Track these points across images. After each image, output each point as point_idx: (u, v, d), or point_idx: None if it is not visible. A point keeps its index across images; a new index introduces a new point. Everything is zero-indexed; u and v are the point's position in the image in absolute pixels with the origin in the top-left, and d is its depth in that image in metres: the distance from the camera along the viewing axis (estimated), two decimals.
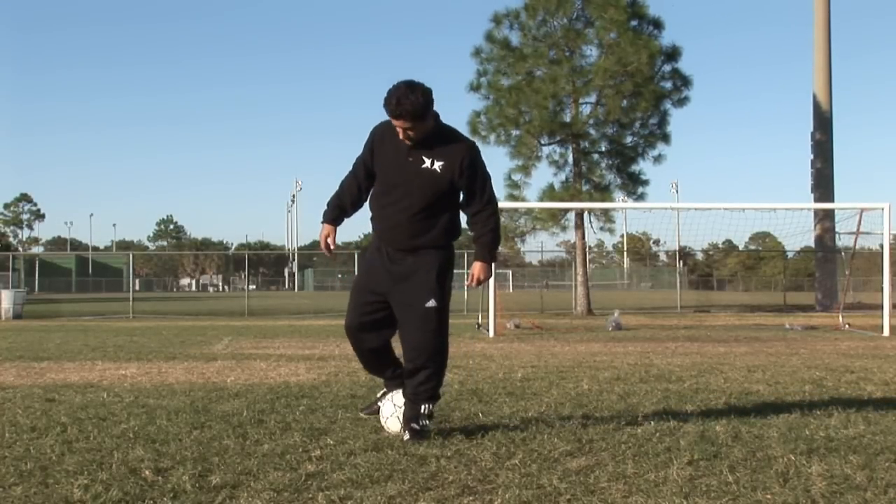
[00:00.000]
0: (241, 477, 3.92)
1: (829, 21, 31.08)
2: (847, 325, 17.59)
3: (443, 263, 4.80)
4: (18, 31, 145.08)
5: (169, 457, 4.35)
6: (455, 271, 5.03)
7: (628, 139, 25.92)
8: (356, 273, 5.28)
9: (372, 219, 4.98)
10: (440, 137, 4.69)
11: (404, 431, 4.77)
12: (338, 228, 5.03)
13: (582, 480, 3.84)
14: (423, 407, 4.77)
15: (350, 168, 4.99)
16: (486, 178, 4.81)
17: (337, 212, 4.99)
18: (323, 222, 4.99)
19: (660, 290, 57.68)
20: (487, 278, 4.89)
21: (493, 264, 4.94)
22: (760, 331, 16.47)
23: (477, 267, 4.86)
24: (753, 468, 4.08)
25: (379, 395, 5.15)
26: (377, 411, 5.06)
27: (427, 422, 4.81)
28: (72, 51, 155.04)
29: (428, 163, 4.66)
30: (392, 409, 4.91)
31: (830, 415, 5.64)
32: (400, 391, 4.92)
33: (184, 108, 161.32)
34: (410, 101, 4.49)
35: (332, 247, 4.96)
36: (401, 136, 4.65)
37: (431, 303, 4.69)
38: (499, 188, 25.61)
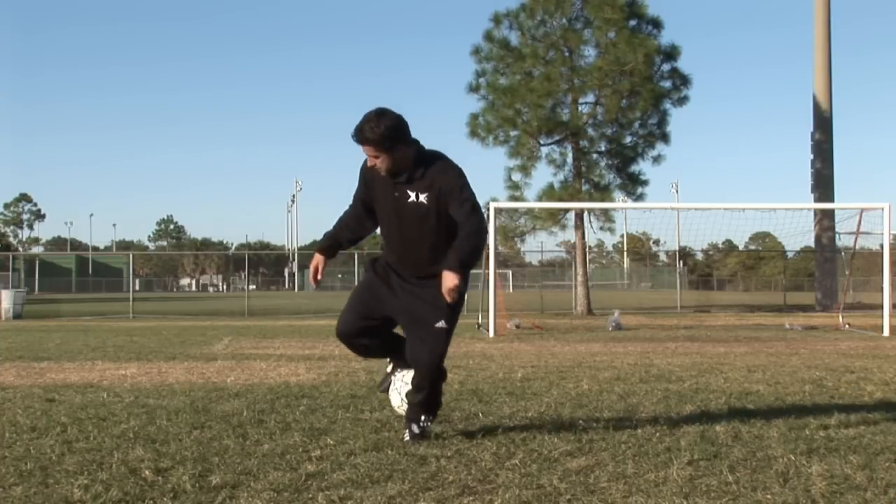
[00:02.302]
0: (241, 477, 3.92)
1: (829, 21, 31.07)
2: (847, 325, 17.59)
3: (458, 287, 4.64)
4: (18, 32, 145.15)
5: (169, 457, 4.35)
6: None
7: (628, 139, 25.89)
8: (359, 278, 5.06)
9: (381, 248, 4.96)
10: (422, 167, 4.58)
11: (405, 431, 4.78)
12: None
13: (582, 480, 3.84)
14: (423, 416, 4.79)
15: (350, 203, 4.94)
16: (467, 199, 4.58)
17: (331, 242, 4.92)
18: (316, 251, 4.91)
19: (660, 290, 57.67)
20: (457, 288, 4.46)
21: (464, 275, 4.53)
22: (760, 331, 16.47)
23: (445, 276, 4.44)
24: (753, 468, 4.08)
25: (389, 368, 5.06)
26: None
27: (428, 423, 4.82)
28: (72, 51, 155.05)
29: (413, 196, 4.57)
30: (401, 385, 4.87)
31: (830, 415, 5.64)
32: (409, 372, 4.83)
33: (184, 108, 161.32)
34: (371, 127, 4.45)
35: (318, 277, 4.83)
36: (369, 164, 4.59)
37: (441, 324, 4.62)
38: (499, 188, 25.60)
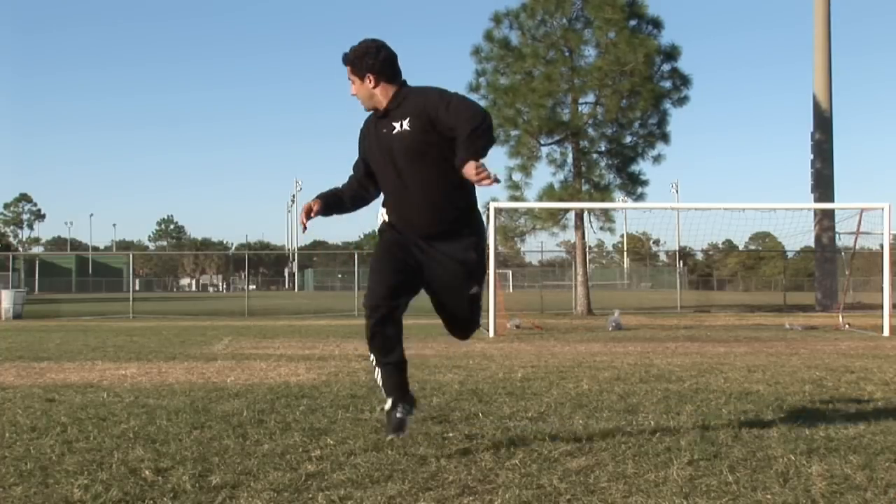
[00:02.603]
0: (241, 477, 3.92)
1: (829, 21, 31.07)
2: (847, 325, 17.59)
3: (479, 243, 4.46)
4: (18, 32, 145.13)
5: (169, 457, 4.35)
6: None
7: (628, 139, 25.91)
8: (378, 248, 4.50)
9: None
10: (406, 98, 4.30)
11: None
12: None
13: (582, 480, 3.84)
14: None
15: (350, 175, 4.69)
16: (452, 98, 4.22)
17: (331, 192, 4.60)
18: (316, 196, 4.57)
19: (660, 290, 57.67)
20: (483, 168, 4.01)
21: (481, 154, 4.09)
22: (760, 331, 16.47)
23: (468, 165, 3.99)
24: (753, 468, 4.08)
25: (388, 405, 4.50)
26: (401, 426, 4.48)
27: None
28: (72, 51, 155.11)
29: (398, 126, 4.25)
30: None
31: (830, 415, 5.65)
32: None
33: (184, 107, 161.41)
34: (354, 48, 4.35)
35: (311, 216, 4.46)
36: (350, 92, 4.40)
37: (475, 290, 4.49)
38: (498, 188, 25.61)
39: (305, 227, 4.56)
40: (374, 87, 4.34)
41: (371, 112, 4.47)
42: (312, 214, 4.47)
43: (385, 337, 4.33)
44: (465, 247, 4.41)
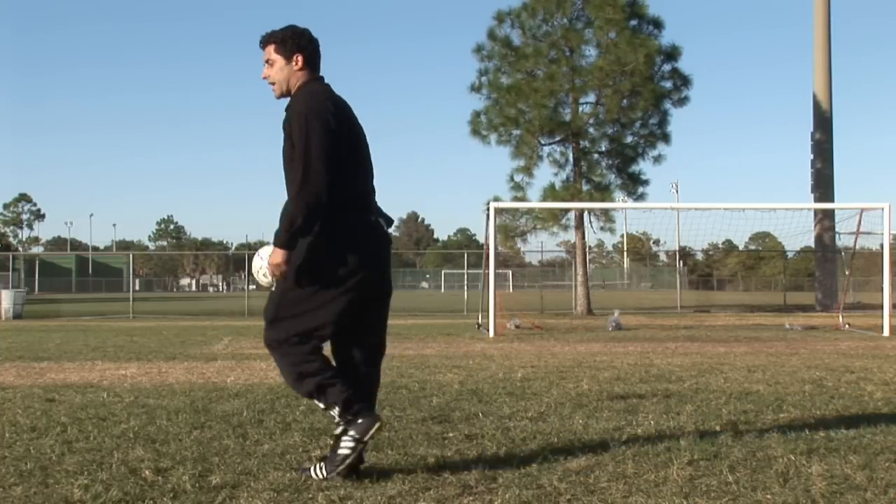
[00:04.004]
0: (241, 477, 3.92)
1: (829, 21, 31.06)
2: (847, 325, 17.58)
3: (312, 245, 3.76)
4: (18, 32, 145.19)
5: (169, 457, 4.36)
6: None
7: (628, 139, 25.92)
8: None
9: None
10: (293, 98, 3.86)
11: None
12: None
13: (582, 480, 3.84)
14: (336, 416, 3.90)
15: None
16: (296, 141, 3.67)
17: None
18: None
19: (660, 290, 57.69)
20: (279, 267, 3.72)
21: (287, 251, 3.71)
22: (760, 331, 16.47)
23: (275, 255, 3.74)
24: (753, 468, 4.08)
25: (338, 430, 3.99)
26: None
27: (351, 435, 3.87)
28: (72, 51, 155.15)
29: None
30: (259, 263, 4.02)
31: (830, 415, 5.65)
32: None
33: (184, 108, 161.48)
34: (280, 29, 3.91)
35: None
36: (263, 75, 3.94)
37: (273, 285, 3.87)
38: (501, 188, 25.60)
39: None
40: (300, 70, 3.88)
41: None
42: None
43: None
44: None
